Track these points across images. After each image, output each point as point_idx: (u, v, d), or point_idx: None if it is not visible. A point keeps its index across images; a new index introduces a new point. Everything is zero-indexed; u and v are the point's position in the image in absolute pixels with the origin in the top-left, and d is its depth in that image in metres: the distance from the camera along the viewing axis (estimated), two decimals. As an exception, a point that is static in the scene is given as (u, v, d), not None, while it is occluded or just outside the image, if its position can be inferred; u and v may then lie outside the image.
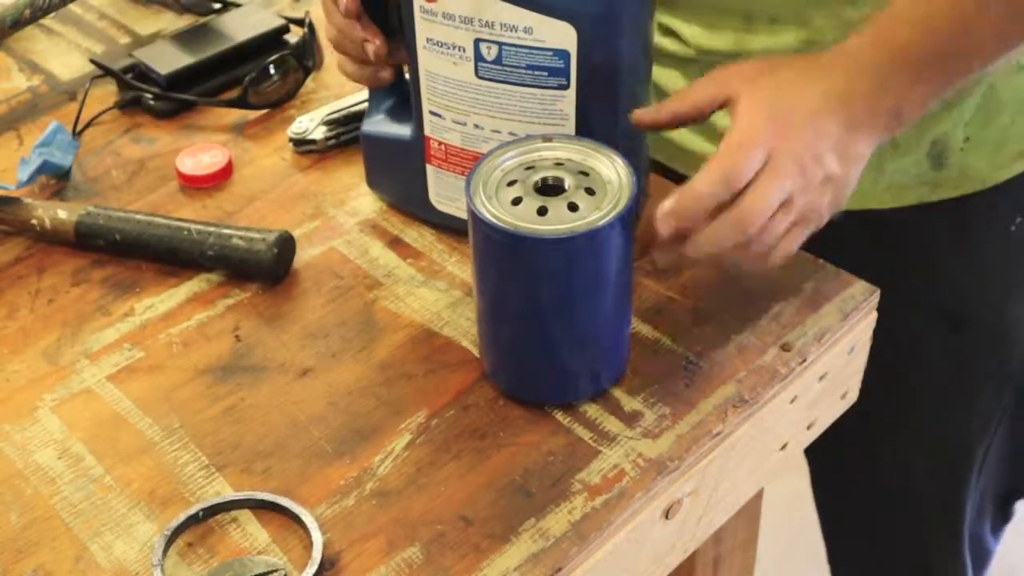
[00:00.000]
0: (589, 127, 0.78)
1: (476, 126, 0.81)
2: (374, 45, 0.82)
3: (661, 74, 0.97)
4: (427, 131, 0.84)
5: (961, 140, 0.91)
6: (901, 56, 0.75)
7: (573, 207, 0.70)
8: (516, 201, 0.71)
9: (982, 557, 1.19)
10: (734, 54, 0.92)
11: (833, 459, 1.11)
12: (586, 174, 0.73)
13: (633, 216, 0.71)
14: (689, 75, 0.96)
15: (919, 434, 1.07)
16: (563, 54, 0.76)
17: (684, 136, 0.98)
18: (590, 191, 0.71)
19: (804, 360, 0.80)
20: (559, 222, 0.69)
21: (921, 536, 1.15)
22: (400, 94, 0.89)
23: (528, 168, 0.73)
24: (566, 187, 0.72)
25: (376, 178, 0.93)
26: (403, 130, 0.88)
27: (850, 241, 0.87)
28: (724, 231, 0.71)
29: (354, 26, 0.83)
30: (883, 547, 1.19)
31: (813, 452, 1.01)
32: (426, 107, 0.83)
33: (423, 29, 0.79)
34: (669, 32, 0.95)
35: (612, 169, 0.72)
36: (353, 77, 0.87)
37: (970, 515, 1.13)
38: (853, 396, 0.89)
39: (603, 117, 0.79)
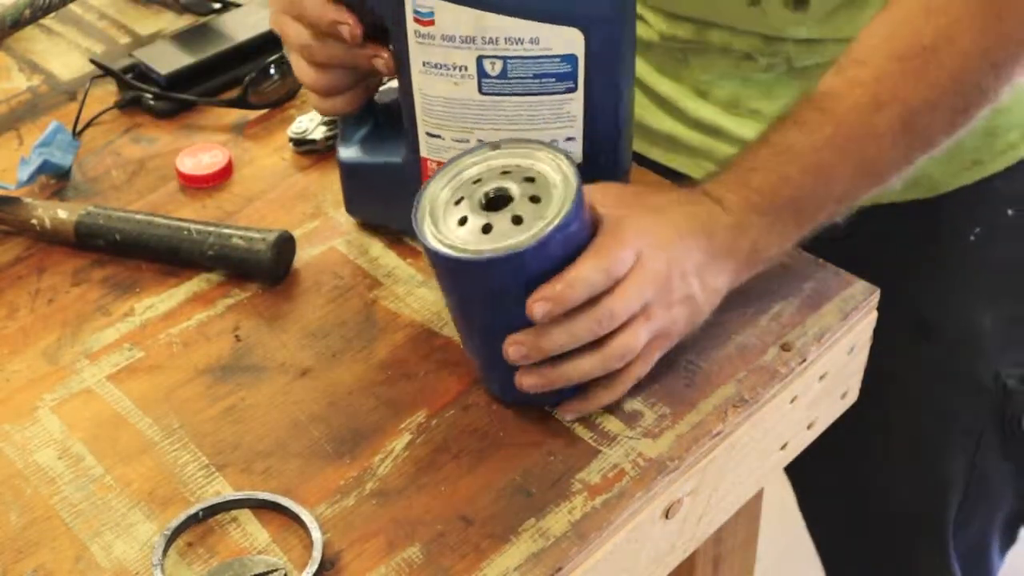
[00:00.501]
0: (595, 124, 0.78)
1: (479, 141, 0.80)
2: (348, 25, 0.77)
3: None
4: (424, 153, 0.83)
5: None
6: (757, 198, 0.77)
7: (517, 220, 0.71)
8: (462, 221, 0.72)
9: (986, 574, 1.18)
10: (695, 41, 0.93)
11: (815, 474, 1.11)
12: (532, 180, 0.73)
13: (579, 217, 0.71)
14: (651, 60, 0.97)
15: (896, 448, 1.07)
16: (571, 59, 0.76)
17: (649, 114, 0.99)
18: (535, 199, 0.72)
19: (804, 360, 0.80)
20: (503, 238, 0.70)
21: (907, 549, 1.14)
22: (373, 120, 0.87)
23: (476, 182, 0.74)
24: (512, 196, 0.72)
25: (359, 204, 0.91)
26: (391, 156, 0.86)
27: (810, 240, 0.86)
28: (583, 322, 0.71)
29: (326, 7, 0.78)
30: (873, 565, 1.19)
31: (794, 467, 1.01)
32: (422, 129, 0.81)
33: (419, 53, 0.77)
34: (637, 18, 0.95)
35: (558, 170, 0.73)
36: (327, 103, 0.84)
37: (971, 538, 1.12)
38: (853, 396, 0.89)
39: (608, 112, 0.79)
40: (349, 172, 0.88)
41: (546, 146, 0.75)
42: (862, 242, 0.92)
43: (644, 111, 1.00)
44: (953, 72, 0.77)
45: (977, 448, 1.06)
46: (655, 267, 0.73)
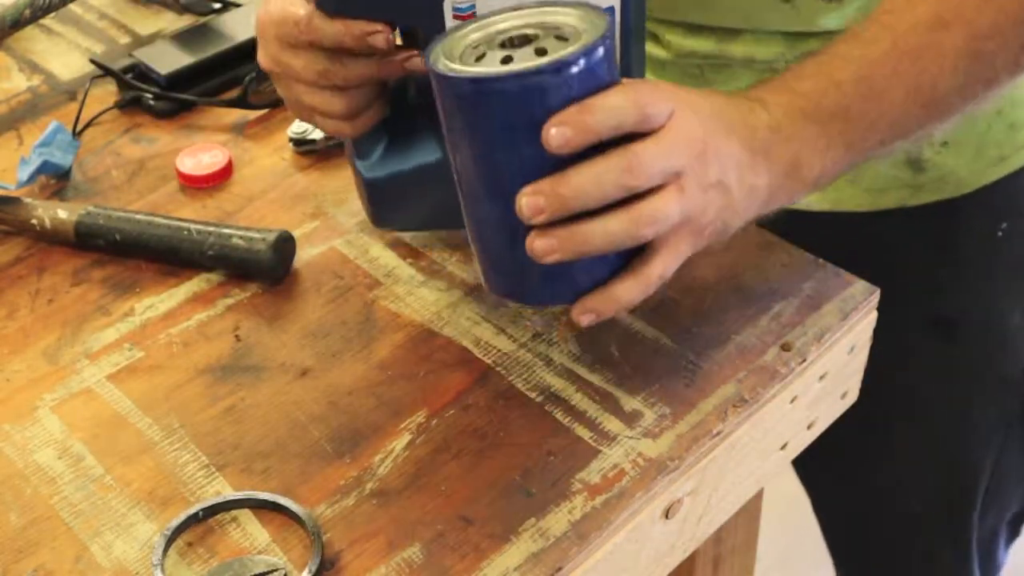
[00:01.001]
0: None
1: None
2: (382, 33, 0.71)
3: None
4: None
5: (938, 143, 0.90)
6: (802, 102, 0.71)
7: (542, 52, 0.64)
8: (480, 58, 0.65)
9: (992, 571, 1.18)
10: (714, 56, 0.92)
11: (833, 477, 1.11)
12: (558, 27, 0.66)
13: (609, 46, 0.64)
14: (667, 74, 0.96)
15: (918, 448, 1.06)
16: None
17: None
18: (561, 38, 0.65)
19: (804, 360, 0.80)
20: (525, 64, 0.63)
21: (928, 553, 1.14)
22: (390, 130, 0.81)
23: (495, 36, 0.67)
24: (534, 38, 0.66)
25: (391, 216, 0.85)
26: (423, 157, 0.80)
27: (831, 244, 0.86)
28: (608, 166, 0.62)
29: (349, 24, 0.72)
30: (890, 566, 1.19)
31: (811, 470, 1.00)
32: None
33: None
34: (651, 36, 0.94)
35: (585, 19, 0.66)
36: (351, 125, 0.77)
37: (984, 534, 1.12)
38: (853, 396, 0.89)
39: None
40: (378, 188, 0.82)
41: (580, 4, 0.67)
42: (888, 245, 0.92)
43: None
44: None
45: (1003, 444, 1.05)
46: (690, 132, 0.65)
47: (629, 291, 0.67)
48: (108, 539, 0.71)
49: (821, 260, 0.86)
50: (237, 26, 1.11)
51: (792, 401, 0.81)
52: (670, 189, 0.65)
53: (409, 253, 0.89)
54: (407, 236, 0.91)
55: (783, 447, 0.84)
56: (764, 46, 0.90)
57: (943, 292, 0.97)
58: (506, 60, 0.65)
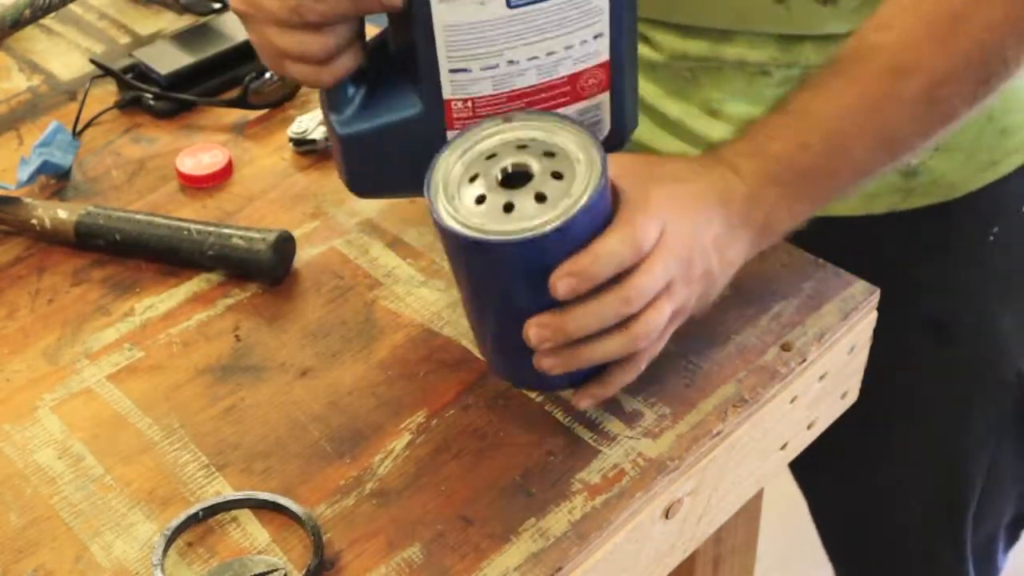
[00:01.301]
0: (619, 12, 0.74)
1: (510, 62, 0.74)
2: None
3: None
4: (447, 94, 0.75)
5: (930, 148, 0.91)
6: (773, 167, 0.75)
7: (541, 198, 0.67)
8: (480, 200, 0.68)
9: (990, 574, 1.18)
10: (707, 58, 0.92)
11: (829, 480, 1.11)
12: (552, 154, 0.69)
13: (604, 194, 0.68)
14: (660, 78, 0.96)
15: (915, 451, 1.06)
16: None
17: (656, 139, 0.98)
18: (557, 175, 0.68)
19: (804, 360, 0.80)
20: (527, 218, 0.66)
21: (925, 556, 1.14)
22: (367, 83, 0.77)
23: (490, 157, 0.70)
24: (532, 173, 0.68)
25: (366, 179, 0.81)
26: (402, 111, 0.77)
27: (824, 248, 0.86)
28: (608, 302, 0.68)
29: None
30: (887, 568, 1.19)
31: (807, 473, 1.01)
32: (445, 68, 0.74)
33: None
34: (643, 38, 0.95)
35: (578, 144, 0.69)
36: (329, 70, 0.74)
37: (980, 538, 1.12)
38: (853, 396, 0.89)
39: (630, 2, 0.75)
40: (354, 145, 0.78)
41: (564, 119, 0.71)
42: (880, 248, 0.92)
43: (651, 135, 0.99)
44: (980, 42, 0.75)
45: (998, 447, 1.05)
46: (679, 241, 0.70)
47: (624, 376, 0.74)
48: (108, 539, 0.71)
49: (821, 260, 0.86)
50: (237, 26, 1.11)
51: (792, 401, 0.81)
52: (661, 299, 0.70)
53: (409, 253, 0.89)
54: (407, 236, 0.91)
55: (783, 447, 0.84)
56: (757, 49, 0.90)
57: (935, 295, 0.98)
58: (508, 208, 0.67)
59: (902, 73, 0.75)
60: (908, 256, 0.97)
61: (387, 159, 0.79)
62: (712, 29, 0.90)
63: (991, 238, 0.98)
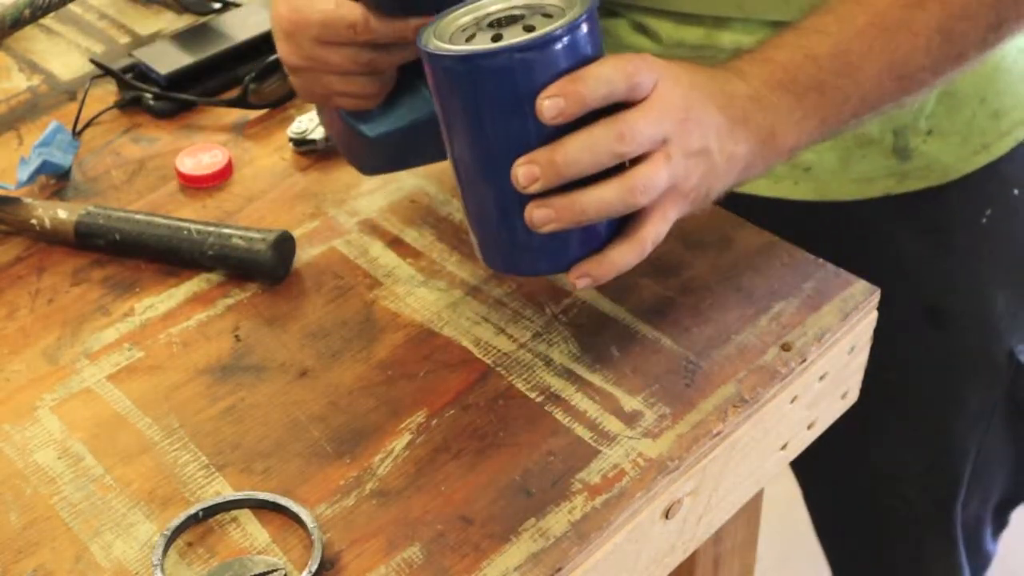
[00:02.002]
0: None
1: None
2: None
3: None
4: None
5: (924, 132, 0.91)
6: (780, 74, 0.73)
7: (530, 29, 0.67)
8: (470, 39, 0.68)
9: (982, 562, 1.18)
10: (702, 46, 0.92)
11: (822, 466, 1.11)
12: (543, 6, 0.69)
13: (594, 19, 0.67)
14: None
15: (907, 435, 1.07)
16: None
17: (628, 37, 0.97)
18: (547, 15, 0.68)
19: (804, 360, 0.80)
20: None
21: (916, 541, 1.14)
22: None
23: (484, 19, 0.70)
24: (521, 17, 0.69)
25: (386, 167, 0.87)
26: (419, 112, 0.80)
27: (819, 233, 0.86)
28: (600, 135, 0.65)
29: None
30: (879, 553, 1.19)
31: (800, 460, 1.01)
32: None
33: None
34: (640, 28, 0.95)
35: (568, 2, 0.69)
36: (376, 99, 0.79)
37: (968, 520, 1.12)
38: (853, 396, 0.89)
39: None
40: (380, 144, 0.82)
41: None
42: (876, 232, 0.92)
43: None
44: None
45: (987, 429, 1.06)
46: (674, 101, 0.68)
47: (624, 255, 0.70)
48: (108, 539, 0.71)
49: (821, 260, 0.86)
50: (237, 26, 1.11)
51: (792, 401, 0.81)
52: (657, 156, 0.67)
53: (409, 253, 0.89)
54: (407, 236, 0.91)
55: (783, 447, 0.84)
56: (753, 36, 0.90)
57: (930, 279, 0.98)
58: (496, 39, 0.67)
59: (918, 4, 0.75)
60: (903, 240, 0.97)
61: (406, 149, 0.83)
62: (709, 16, 0.91)
63: (984, 220, 0.98)
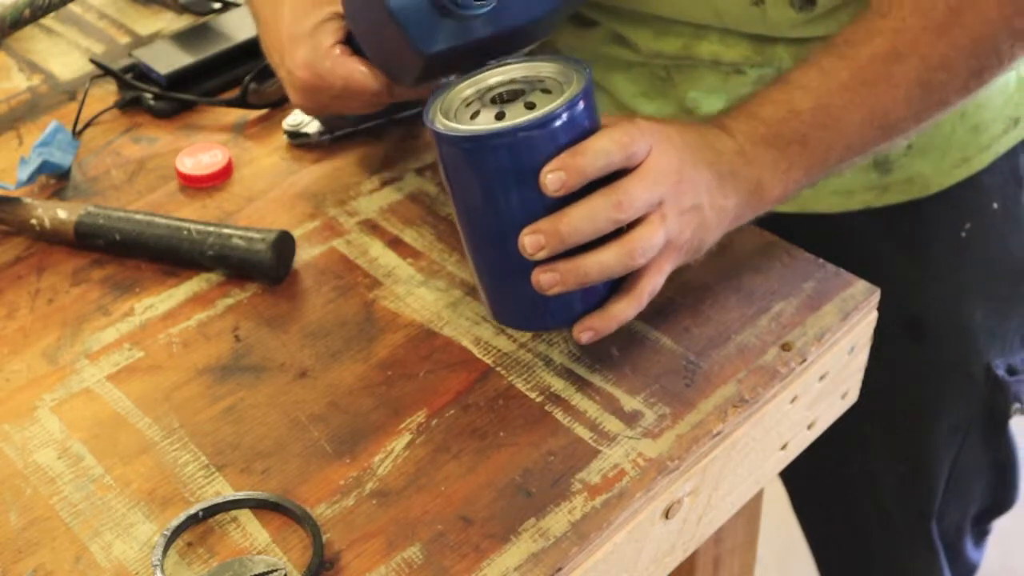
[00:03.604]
0: None
1: None
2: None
3: (608, 79, 0.97)
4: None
5: (904, 146, 0.92)
6: (764, 129, 0.77)
7: (531, 106, 0.71)
8: (475, 116, 0.72)
9: (965, 570, 1.19)
10: (682, 57, 0.92)
11: (804, 475, 1.12)
12: (542, 81, 0.73)
13: (590, 96, 0.71)
14: (635, 78, 0.96)
15: (884, 446, 1.07)
16: None
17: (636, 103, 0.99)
18: (546, 91, 0.72)
19: (804, 360, 0.80)
20: (516, 120, 0.70)
21: (895, 549, 1.15)
22: None
23: (486, 90, 0.74)
24: (523, 91, 0.72)
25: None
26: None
27: (799, 245, 0.87)
28: (599, 204, 0.69)
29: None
30: (860, 561, 1.20)
31: (784, 468, 1.02)
32: None
33: None
34: (618, 38, 0.95)
35: (566, 71, 0.73)
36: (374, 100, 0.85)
37: (947, 530, 1.12)
38: (853, 396, 0.89)
39: None
40: (438, 57, 0.79)
41: (551, 55, 0.75)
42: (856, 245, 0.92)
43: None
44: (974, 35, 0.77)
45: (964, 442, 1.06)
46: (667, 164, 0.71)
47: (624, 310, 0.74)
48: (108, 539, 0.71)
49: (821, 260, 0.86)
50: (237, 26, 1.11)
51: (792, 401, 0.81)
52: (654, 218, 0.71)
53: (409, 253, 0.89)
54: (407, 236, 0.91)
55: (783, 447, 0.84)
56: (731, 48, 0.90)
57: (910, 291, 0.99)
58: (499, 116, 0.71)
59: (897, 58, 0.77)
60: (883, 252, 0.98)
61: (461, 59, 0.79)
62: (687, 24, 0.91)
63: (964, 234, 0.98)
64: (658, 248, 0.72)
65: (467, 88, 0.75)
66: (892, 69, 0.77)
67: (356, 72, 0.81)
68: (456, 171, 0.73)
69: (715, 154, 0.75)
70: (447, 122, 0.72)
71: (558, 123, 0.69)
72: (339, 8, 0.81)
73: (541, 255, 0.70)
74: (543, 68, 0.74)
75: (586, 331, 0.74)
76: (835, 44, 0.79)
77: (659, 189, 0.71)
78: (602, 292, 0.74)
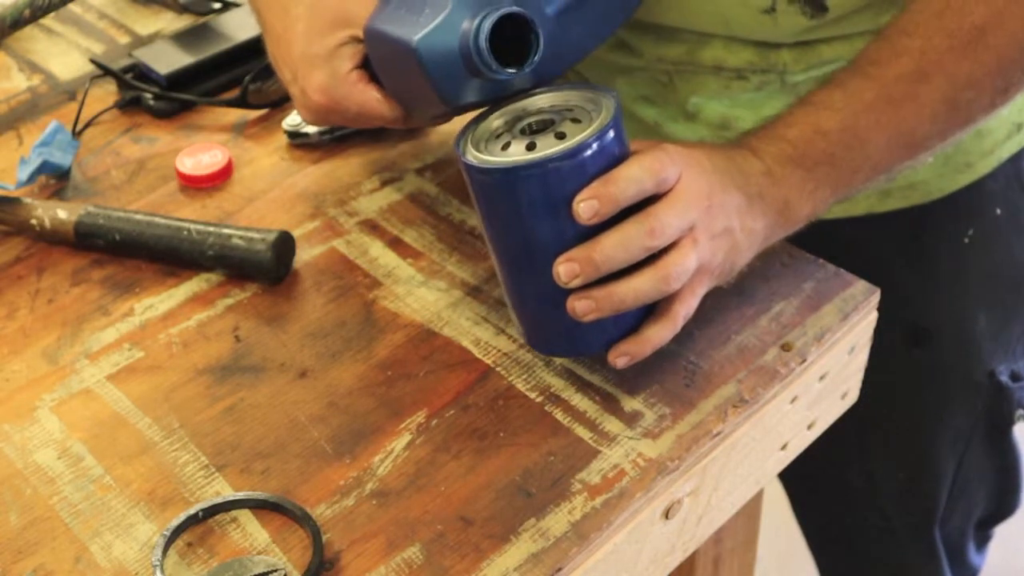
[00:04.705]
0: None
1: None
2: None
3: (609, 83, 0.97)
4: None
5: None
6: (791, 150, 0.77)
7: (561, 136, 0.71)
8: (505, 147, 0.72)
9: (967, 574, 1.19)
10: (684, 62, 0.92)
11: (805, 479, 1.12)
12: (570, 110, 0.73)
13: (619, 125, 0.71)
14: (636, 82, 0.96)
15: (886, 452, 1.07)
16: None
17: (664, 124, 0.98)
18: (576, 120, 0.72)
19: (804, 360, 0.80)
20: (547, 151, 0.70)
21: (897, 555, 1.15)
22: None
23: (515, 120, 0.75)
24: (553, 121, 0.73)
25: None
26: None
27: (801, 250, 0.87)
28: (632, 232, 0.70)
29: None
30: (862, 566, 1.20)
31: (786, 473, 1.02)
32: None
33: None
34: (620, 44, 0.95)
35: (595, 99, 0.73)
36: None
37: (950, 535, 1.12)
38: (853, 396, 0.89)
39: None
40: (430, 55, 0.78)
41: (580, 84, 0.75)
42: (859, 250, 0.92)
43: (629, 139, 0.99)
44: (1000, 53, 0.77)
45: (967, 448, 1.06)
46: (698, 189, 0.72)
47: (659, 333, 0.74)
48: (108, 539, 0.71)
49: (821, 260, 0.86)
50: (237, 26, 1.11)
51: (792, 401, 0.81)
52: (686, 243, 0.71)
53: (409, 253, 0.89)
54: (407, 236, 0.91)
55: (783, 447, 0.84)
56: (734, 54, 0.90)
57: (913, 297, 0.98)
58: (531, 147, 0.71)
59: (923, 78, 0.77)
60: (885, 258, 0.97)
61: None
62: (692, 32, 0.91)
63: (967, 240, 0.98)
64: (691, 272, 0.72)
65: (497, 119, 0.75)
66: (918, 89, 0.77)
67: (373, 101, 0.81)
68: (488, 202, 0.73)
69: (744, 177, 0.75)
70: (478, 154, 0.72)
71: (588, 153, 0.70)
72: (357, 31, 0.80)
73: (576, 283, 0.71)
74: (571, 96, 0.75)
75: (621, 356, 0.74)
76: (860, 64, 0.79)
77: (690, 214, 0.71)
78: (636, 316, 0.75)
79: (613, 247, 0.70)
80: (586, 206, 0.69)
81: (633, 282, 0.71)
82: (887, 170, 0.80)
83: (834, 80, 0.79)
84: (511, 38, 0.73)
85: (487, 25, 0.71)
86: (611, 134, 0.70)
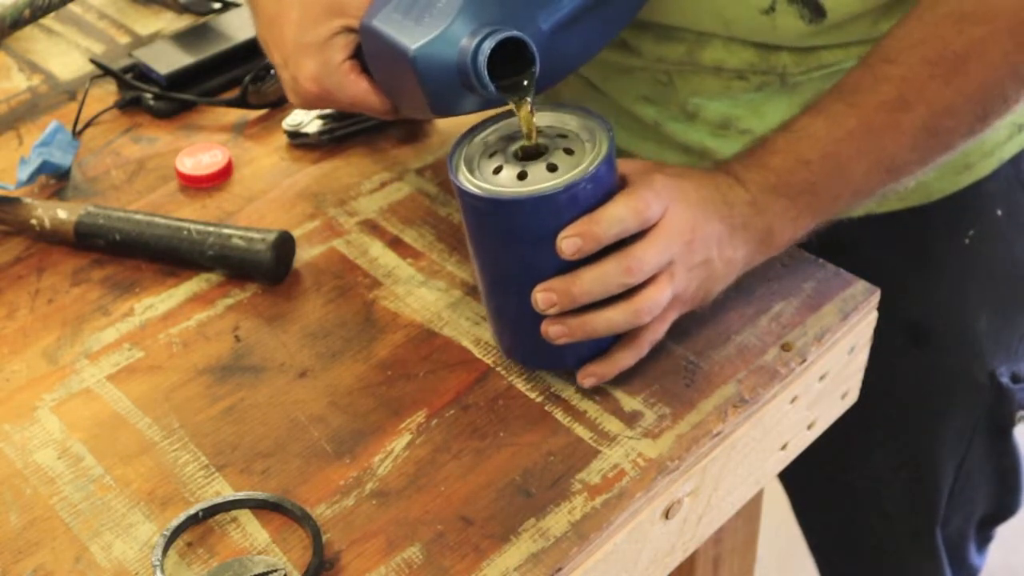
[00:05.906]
0: None
1: None
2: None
3: (608, 82, 0.97)
4: None
5: None
6: (774, 179, 0.78)
7: (552, 168, 0.72)
8: (497, 171, 0.73)
9: (969, 574, 1.19)
10: (684, 62, 0.92)
11: (805, 481, 1.11)
12: (564, 136, 0.74)
13: (611, 162, 0.72)
14: (636, 82, 0.96)
15: (887, 453, 1.07)
16: None
17: (632, 143, 0.99)
18: (569, 151, 0.73)
19: (804, 360, 0.80)
20: (538, 184, 0.71)
21: (898, 556, 1.15)
22: None
23: (509, 138, 0.75)
24: (545, 149, 0.73)
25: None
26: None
27: (809, 249, 0.87)
28: (611, 269, 0.72)
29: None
30: (863, 567, 1.20)
31: (785, 474, 1.02)
32: None
33: None
34: (620, 43, 0.95)
35: (589, 127, 0.74)
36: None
37: (950, 536, 1.12)
38: (853, 396, 0.89)
39: None
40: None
41: (576, 108, 0.76)
42: (857, 252, 0.92)
43: (627, 139, 0.99)
44: (980, 82, 0.78)
45: (968, 449, 1.06)
46: (681, 224, 0.73)
47: (626, 357, 0.77)
48: (108, 539, 0.71)
49: (821, 260, 0.86)
50: (237, 26, 1.11)
51: (792, 401, 0.81)
52: (662, 279, 0.73)
53: (409, 253, 0.89)
54: (407, 236, 0.91)
55: (783, 447, 0.84)
56: (734, 54, 0.90)
57: (914, 298, 0.98)
58: (521, 176, 0.72)
59: (904, 106, 0.78)
60: (886, 259, 0.97)
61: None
62: (692, 32, 0.91)
63: (967, 241, 0.98)
64: (664, 305, 0.74)
65: (491, 135, 0.76)
66: (899, 117, 0.78)
67: (363, 93, 0.81)
68: (476, 225, 0.74)
69: (728, 207, 0.76)
70: (470, 176, 0.73)
71: (578, 190, 0.71)
72: (350, 21, 0.80)
73: (552, 311, 0.73)
74: (568, 120, 0.75)
75: (589, 377, 0.77)
76: (841, 91, 0.79)
77: (671, 250, 0.73)
78: (608, 338, 0.76)
79: (591, 282, 0.72)
80: (569, 243, 0.71)
81: (607, 313, 0.73)
82: (867, 195, 0.81)
83: (816, 106, 0.80)
84: (508, 56, 0.73)
85: (487, 47, 0.71)
86: (602, 171, 0.71)
